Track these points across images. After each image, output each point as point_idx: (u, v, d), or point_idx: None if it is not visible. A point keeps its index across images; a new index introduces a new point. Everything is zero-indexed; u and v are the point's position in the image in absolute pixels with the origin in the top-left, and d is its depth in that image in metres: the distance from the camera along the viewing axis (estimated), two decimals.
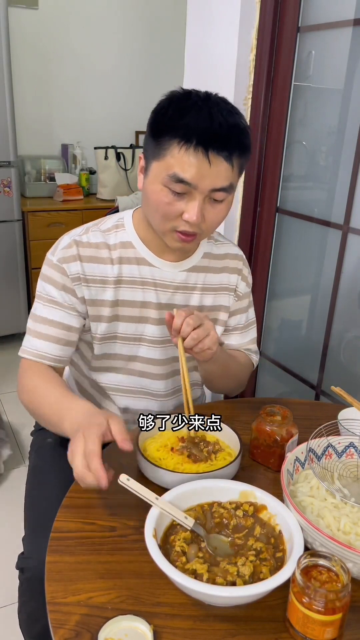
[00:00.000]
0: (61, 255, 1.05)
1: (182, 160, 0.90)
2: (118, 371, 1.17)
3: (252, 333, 1.28)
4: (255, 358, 1.29)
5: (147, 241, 1.08)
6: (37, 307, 1.08)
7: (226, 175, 0.93)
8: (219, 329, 1.20)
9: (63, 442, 1.15)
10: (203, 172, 0.91)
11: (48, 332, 1.06)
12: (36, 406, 1.03)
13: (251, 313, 1.27)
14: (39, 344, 1.07)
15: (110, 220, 1.11)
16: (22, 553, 0.99)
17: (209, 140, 0.89)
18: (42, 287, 1.08)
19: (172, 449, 0.97)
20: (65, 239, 1.08)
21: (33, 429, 1.31)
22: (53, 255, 1.07)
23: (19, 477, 2.12)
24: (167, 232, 1.00)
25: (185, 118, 0.90)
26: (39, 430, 1.27)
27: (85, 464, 0.79)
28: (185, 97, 0.93)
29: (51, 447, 1.19)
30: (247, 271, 1.22)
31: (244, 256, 1.22)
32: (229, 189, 0.96)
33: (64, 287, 1.05)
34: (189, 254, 1.13)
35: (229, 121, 0.91)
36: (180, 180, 0.91)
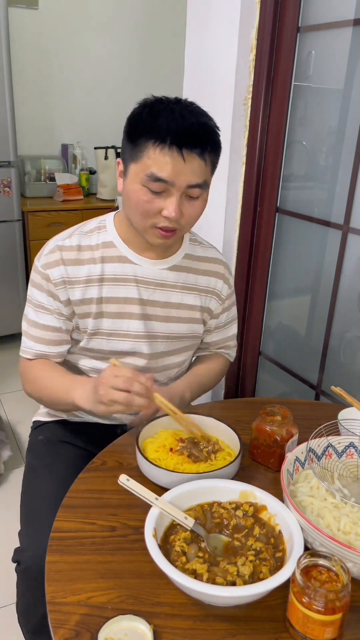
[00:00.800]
0: (45, 261, 1.10)
1: (158, 159, 0.95)
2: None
3: (233, 329, 1.34)
4: (232, 354, 1.37)
5: (129, 241, 1.12)
6: (29, 311, 1.15)
7: (200, 171, 0.99)
8: (196, 327, 1.23)
9: (57, 438, 1.22)
10: (179, 169, 0.96)
11: (41, 335, 1.13)
12: (41, 390, 1.13)
13: (233, 311, 1.32)
14: (35, 345, 1.14)
15: (93, 222, 1.16)
16: (19, 547, 1.01)
17: (182, 139, 0.94)
18: (30, 291, 1.14)
19: (171, 449, 0.97)
20: (50, 245, 1.12)
21: (32, 426, 1.32)
22: (38, 260, 1.12)
23: (19, 477, 2.12)
24: (147, 229, 1.04)
25: (159, 120, 0.95)
26: (35, 429, 1.30)
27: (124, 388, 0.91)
28: (157, 102, 0.99)
29: (44, 444, 1.23)
30: (228, 273, 1.26)
31: (225, 260, 1.27)
32: (204, 185, 1.01)
33: (49, 292, 1.11)
34: (170, 253, 1.16)
35: (200, 120, 0.98)
36: (158, 179, 0.96)
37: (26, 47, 3.23)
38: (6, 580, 1.61)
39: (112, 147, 3.37)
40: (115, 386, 0.92)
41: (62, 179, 3.33)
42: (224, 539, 0.79)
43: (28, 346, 1.15)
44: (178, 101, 1.00)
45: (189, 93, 1.87)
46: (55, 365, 1.15)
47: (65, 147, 3.48)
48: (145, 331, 1.16)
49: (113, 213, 1.17)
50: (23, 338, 1.16)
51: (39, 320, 1.13)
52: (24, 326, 1.16)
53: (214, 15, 1.69)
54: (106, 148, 3.35)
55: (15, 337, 3.15)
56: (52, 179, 3.34)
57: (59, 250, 1.10)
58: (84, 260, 1.10)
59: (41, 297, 1.12)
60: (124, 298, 1.13)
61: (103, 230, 1.13)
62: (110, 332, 1.15)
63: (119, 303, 1.13)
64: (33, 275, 1.13)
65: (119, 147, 3.50)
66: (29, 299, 1.15)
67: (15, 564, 1.00)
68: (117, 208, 3.01)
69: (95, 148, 3.37)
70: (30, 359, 1.15)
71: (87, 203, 3.29)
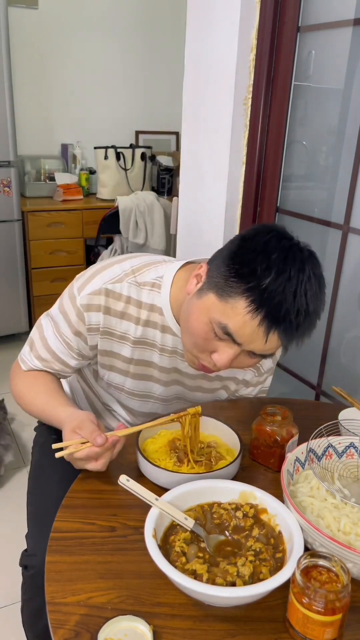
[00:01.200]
0: (86, 301, 0.99)
1: (241, 320, 0.82)
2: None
3: (268, 382, 1.24)
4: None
5: (178, 314, 1.01)
6: (47, 329, 1.05)
7: (276, 347, 0.87)
8: (224, 395, 1.20)
9: None
10: (254, 339, 0.84)
11: (48, 359, 1.06)
12: (25, 408, 1.09)
13: (267, 382, 1.23)
14: (37, 363, 1.08)
15: (149, 273, 1.03)
16: (26, 550, 0.99)
17: (278, 322, 0.82)
18: (57, 316, 1.04)
19: (171, 449, 0.97)
20: (96, 283, 1.00)
21: (37, 424, 1.31)
22: (79, 293, 1.00)
23: (20, 479, 2.12)
24: (190, 355, 0.95)
25: (268, 281, 0.79)
26: (43, 425, 1.26)
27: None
28: (281, 253, 0.81)
29: (54, 441, 1.18)
30: (278, 352, 1.09)
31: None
32: (269, 355, 0.91)
33: (77, 332, 1.02)
34: None
35: (310, 308, 0.82)
36: (228, 334, 0.85)
37: (26, 47, 3.23)
38: (6, 580, 1.61)
39: (112, 146, 3.36)
40: (80, 466, 0.89)
41: (62, 178, 3.33)
42: (223, 540, 0.79)
43: (28, 359, 1.08)
44: (302, 268, 0.81)
45: (189, 93, 1.87)
46: (46, 380, 1.07)
47: (65, 147, 3.48)
48: (170, 395, 1.13)
49: (174, 269, 1.03)
50: (27, 346, 1.09)
51: (54, 347, 1.04)
52: (35, 337, 1.07)
53: (214, 15, 1.69)
54: (106, 148, 3.35)
55: (15, 337, 3.15)
56: (52, 178, 3.34)
57: (105, 296, 0.99)
58: (127, 315, 1.01)
59: (67, 331, 1.02)
60: (157, 364, 1.07)
61: (156, 290, 1.01)
62: (131, 391, 1.11)
63: (150, 367, 1.07)
64: (66, 304, 1.02)
65: (119, 147, 3.51)
66: (52, 318, 1.05)
67: (22, 568, 0.97)
68: (117, 208, 3.01)
69: (95, 148, 3.37)
70: (25, 371, 1.09)
71: (87, 203, 3.29)
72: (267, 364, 1.18)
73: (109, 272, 1.01)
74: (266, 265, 0.80)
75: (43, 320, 1.09)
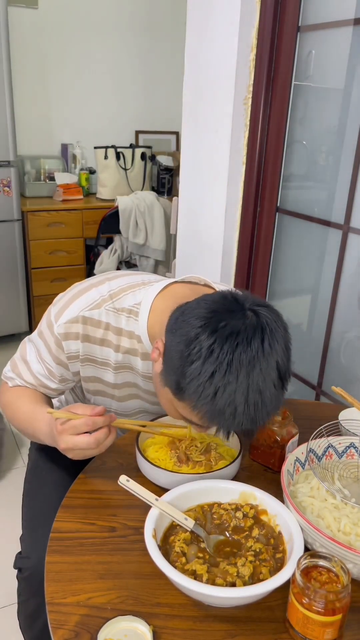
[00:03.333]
0: (63, 330, 0.96)
1: (201, 423, 0.80)
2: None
3: None
4: None
5: (155, 340, 0.97)
6: (30, 354, 1.03)
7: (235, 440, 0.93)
8: None
9: None
10: (219, 435, 0.84)
11: (31, 381, 1.03)
12: (10, 418, 1.06)
13: None
14: (20, 383, 1.05)
15: (127, 298, 0.99)
16: (20, 552, 0.99)
17: (234, 430, 0.81)
18: (38, 342, 1.02)
19: (171, 449, 0.96)
20: (73, 310, 0.96)
21: None
22: (56, 321, 0.97)
23: (17, 476, 2.12)
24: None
25: (216, 399, 0.72)
26: None
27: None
28: (224, 364, 0.72)
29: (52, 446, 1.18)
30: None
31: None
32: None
33: (58, 360, 0.99)
34: None
35: (266, 409, 0.75)
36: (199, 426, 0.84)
37: (26, 46, 3.23)
38: (6, 580, 1.61)
39: (112, 146, 3.36)
40: (77, 432, 0.84)
41: (62, 178, 3.33)
42: (223, 540, 0.79)
43: (11, 376, 1.05)
44: (251, 369, 0.72)
45: (189, 93, 1.87)
46: (32, 392, 1.04)
47: (64, 147, 3.47)
48: (162, 409, 1.07)
49: (153, 295, 0.98)
50: (11, 364, 1.06)
51: (35, 370, 1.02)
52: (18, 359, 1.05)
53: (214, 15, 1.69)
54: (106, 147, 3.35)
55: (15, 337, 3.15)
56: (52, 178, 3.34)
57: (83, 324, 0.96)
58: (107, 342, 0.98)
59: (48, 359, 1.00)
60: (142, 388, 1.05)
61: (134, 317, 0.98)
62: (122, 413, 1.10)
63: (135, 387, 1.06)
64: (45, 331, 0.99)
65: (119, 147, 3.51)
66: (34, 342, 1.03)
67: (17, 571, 0.97)
68: (116, 208, 3.01)
69: (95, 147, 3.37)
70: (9, 386, 1.07)
71: (87, 203, 3.28)
72: None
73: (86, 297, 0.98)
74: (210, 382, 0.72)
75: (27, 344, 1.06)
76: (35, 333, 1.04)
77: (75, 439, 0.84)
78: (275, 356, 0.74)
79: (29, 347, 1.05)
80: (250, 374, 0.72)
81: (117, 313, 0.97)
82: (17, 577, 0.98)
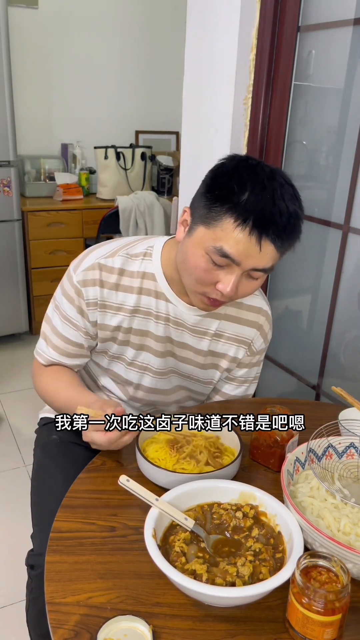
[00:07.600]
0: (82, 277, 1.04)
1: (233, 237, 0.88)
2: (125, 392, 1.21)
3: (249, 389, 1.25)
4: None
5: (171, 279, 1.06)
6: (55, 318, 1.10)
7: (271, 257, 0.92)
8: (217, 374, 1.19)
9: (69, 439, 1.18)
10: (251, 253, 0.89)
11: (62, 346, 1.10)
12: (52, 398, 1.12)
13: (257, 370, 1.23)
14: (54, 353, 1.12)
15: (140, 244, 1.09)
16: (32, 550, 1.00)
17: (266, 227, 0.87)
18: (60, 299, 1.09)
19: (171, 449, 0.96)
20: (90, 259, 1.06)
21: (37, 426, 1.31)
22: (75, 272, 1.05)
23: (17, 476, 2.12)
24: (197, 294, 0.99)
25: (247, 195, 0.86)
26: (44, 426, 1.27)
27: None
28: (250, 170, 0.89)
29: (56, 444, 1.19)
30: (267, 327, 1.17)
31: (269, 311, 1.17)
32: (270, 269, 0.95)
33: (79, 308, 1.06)
34: None
35: (290, 208, 0.88)
36: (226, 256, 0.90)
37: (26, 47, 3.23)
38: (6, 580, 1.61)
39: (112, 146, 3.36)
40: (95, 429, 0.91)
41: (62, 178, 3.33)
42: (223, 540, 0.79)
43: (44, 351, 1.12)
44: (272, 176, 0.89)
45: (189, 93, 1.87)
46: (67, 375, 1.12)
47: (64, 147, 3.47)
48: (164, 367, 1.14)
49: (164, 239, 1.09)
50: (41, 340, 1.13)
51: (64, 332, 1.09)
52: (46, 329, 1.12)
53: (214, 15, 1.69)
54: (106, 147, 3.35)
55: (15, 337, 3.14)
56: (52, 178, 3.34)
57: (99, 270, 1.04)
58: (122, 287, 1.06)
59: (71, 311, 1.07)
60: (153, 334, 1.10)
61: (148, 258, 1.07)
62: (131, 361, 1.13)
63: (147, 336, 1.10)
64: (66, 285, 1.07)
65: (119, 147, 3.51)
66: (57, 305, 1.10)
67: (28, 568, 0.99)
68: (117, 208, 3.01)
69: (95, 147, 3.37)
70: (44, 365, 1.13)
71: (87, 203, 3.29)
72: (259, 342, 1.17)
73: (102, 249, 1.08)
74: (240, 182, 0.87)
75: (49, 311, 1.13)
76: (57, 291, 1.11)
77: (93, 435, 0.92)
78: (288, 177, 0.92)
79: (52, 314, 1.11)
80: (272, 180, 0.89)
81: (130, 258, 1.06)
82: (29, 573, 1.00)
